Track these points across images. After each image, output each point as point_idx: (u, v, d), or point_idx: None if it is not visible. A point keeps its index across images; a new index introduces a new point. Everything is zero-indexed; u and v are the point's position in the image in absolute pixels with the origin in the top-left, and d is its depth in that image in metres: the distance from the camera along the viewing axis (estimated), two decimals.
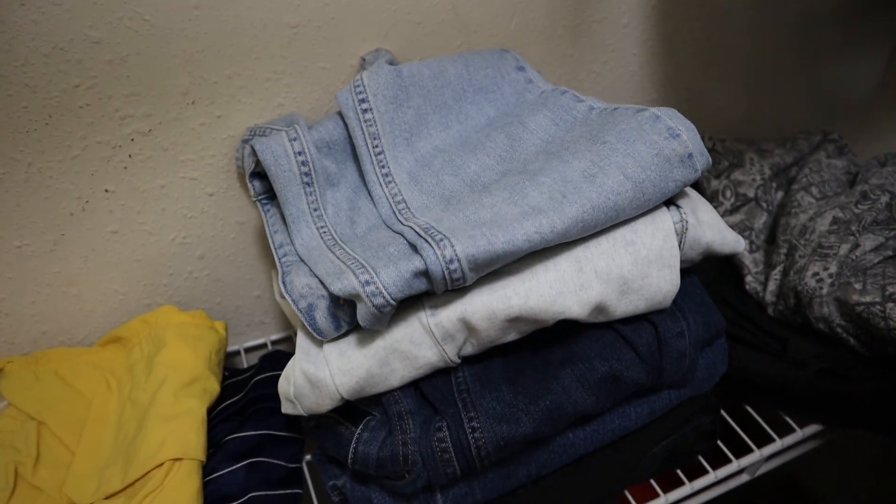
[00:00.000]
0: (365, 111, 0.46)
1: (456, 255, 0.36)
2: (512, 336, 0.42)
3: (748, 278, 0.64)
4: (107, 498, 0.46)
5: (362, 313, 0.38)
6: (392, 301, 0.37)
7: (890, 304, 0.53)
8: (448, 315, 0.39)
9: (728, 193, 0.69)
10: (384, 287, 0.37)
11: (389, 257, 0.39)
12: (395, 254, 0.39)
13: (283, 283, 0.44)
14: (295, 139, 0.45)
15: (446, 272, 0.37)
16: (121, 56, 0.47)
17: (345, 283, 0.38)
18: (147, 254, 0.56)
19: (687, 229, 0.43)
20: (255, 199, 0.50)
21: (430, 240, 0.37)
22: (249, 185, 0.50)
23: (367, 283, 0.36)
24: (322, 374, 0.41)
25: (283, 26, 0.51)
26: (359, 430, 0.42)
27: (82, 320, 0.57)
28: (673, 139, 0.41)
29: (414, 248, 0.39)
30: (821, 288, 0.56)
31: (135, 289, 0.57)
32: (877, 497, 0.89)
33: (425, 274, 0.37)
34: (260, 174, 0.50)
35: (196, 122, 0.52)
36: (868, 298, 0.54)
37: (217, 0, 0.48)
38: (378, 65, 0.48)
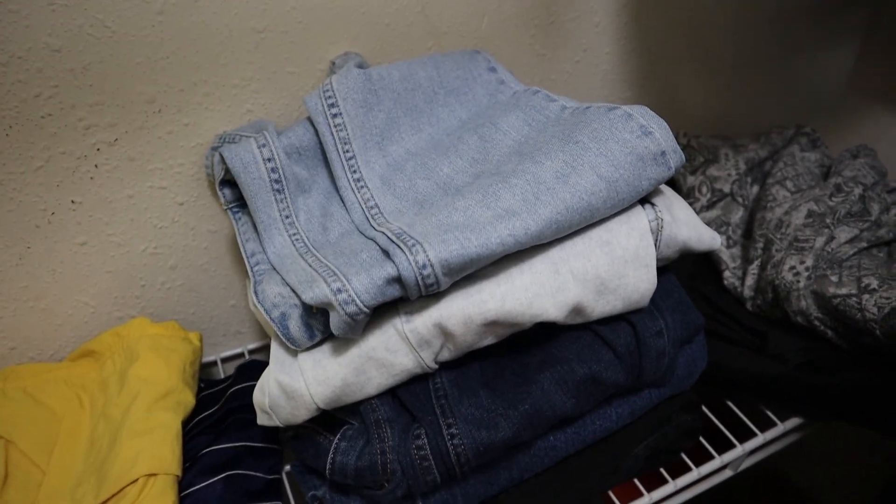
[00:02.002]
0: (335, 116, 0.45)
1: (429, 259, 0.36)
2: (489, 340, 0.41)
3: (726, 273, 0.64)
4: None
5: (335, 322, 0.37)
6: (365, 309, 0.36)
7: (866, 296, 0.53)
8: (423, 321, 0.39)
9: (704, 189, 0.69)
10: (356, 294, 0.36)
11: (362, 264, 0.38)
12: (368, 260, 0.38)
13: (255, 292, 0.43)
14: (264, 145, 0.44)
15: (419, 278, 0.36)
16: (83, 64, 0.46)
17: (316, 292, 0.37)
18: (117, 265, 0.55)
19: (662, 227, 0.43)
20: (225, 207, 0.49)
21: (402, 245, 0.37)
22: (220, 193, 0.49)
23: (339, 290, 0.36)
24: (297, 384, 0.40)
25: (249, 31, 0.50)
26: (336, 440, 0.42)
27: (52, 335, 0.55)
28: (645, 137, 0.41)
29: (386, 253, 0.38)
30: (798, 281, 0.57)
31: (106, 301, 0.56)
32: (858, 487, 0.90)
33: (398, 280, 0.37)
34: (230, 182, 0.49)
35: (163, 130, 0.51)
36: (844, 290, 0.54)
37: (181, 5, 0.47)
38: (347, 68, 0.47)
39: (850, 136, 0.84)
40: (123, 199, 0.52)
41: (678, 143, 0.73)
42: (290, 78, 0.53)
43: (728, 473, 0.58)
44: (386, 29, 0.55)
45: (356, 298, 0.36)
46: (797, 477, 1.08)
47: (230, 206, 0.49)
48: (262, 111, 0.53)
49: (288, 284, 0.42)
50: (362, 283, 0.36)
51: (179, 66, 0.49)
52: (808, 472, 1.06)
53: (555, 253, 0.41)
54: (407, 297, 0.38)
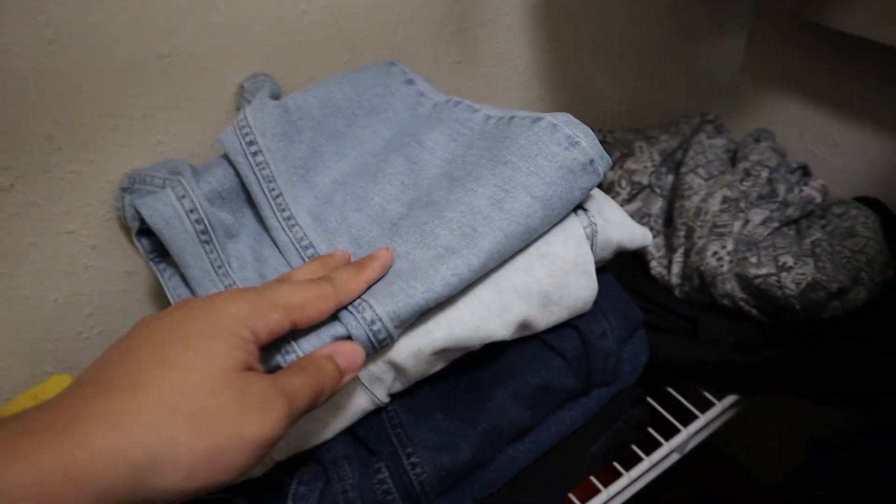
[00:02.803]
0: (255, 154, 0.43)
1: (377, 315, 0.35)
2: (440, 366, 0.40)
3: (652, 263, 0.66)
4: None
5: None
6: None
7: (784, 274, 0.56)
8: (373, 359, 0.38)
9: (623, 183, 0.71)
10: None
11: None
12: None
13: None
14: (184, 196, 0.41)
15: (371, 335, 0.35)
16: None
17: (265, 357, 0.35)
18: (26, 320, 0.50)
19: (597, 232, 0.44)
20: (146, 259, 0.46)
21: (348, 305, 0.35)
22: (137, 243, 0.45)
23: (288, 353, 0.34)
24: None
25: (153, 57, 0.47)
26: (294, 485, 0.40)
27: None
28: (573, 148, 0.41)
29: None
30: (721, 266, 0.59)
31: (16, 362, 0.51)
32: (788, 451, 0.96)
33: (348, 339, 0.35)
34: (147, 231, 0.45)
35: (65, 170, 0.47)
36: (764, 270, 0.57)
37: (75, 34, 0.43)
38: (260, 101, 0.44)
39: (748, 120, 0.89)
40: (27, 248, 0.48)
41: None
42: (201, 105, 0.50)
43: (676, 457, 0.60)
44: (299, 46, 0.53)
45: None
46: (734, 448, 1.14)
47: (150, 256, 0.46)
48: (174, 141, 0.50)
49: None
50: (312, 344, 0.34)
51: (79, 99, 0.45)
52: (742, 443, 1.12)
53: (496, 272, 0.40)
54: None
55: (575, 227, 0.43)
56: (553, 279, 0.41)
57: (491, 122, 0.46)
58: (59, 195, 0.47)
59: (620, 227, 0.46)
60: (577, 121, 0.43)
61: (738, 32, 0.86)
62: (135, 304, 0.55)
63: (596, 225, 0.44)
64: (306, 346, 0.34)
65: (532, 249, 0.42)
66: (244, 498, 0.44)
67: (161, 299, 0.56)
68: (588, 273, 0.43)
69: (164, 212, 0.40)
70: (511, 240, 0.39)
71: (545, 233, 0.42)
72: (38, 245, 0.48)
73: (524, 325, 0.41)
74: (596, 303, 0.46)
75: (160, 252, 0.45)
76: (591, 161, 0.42)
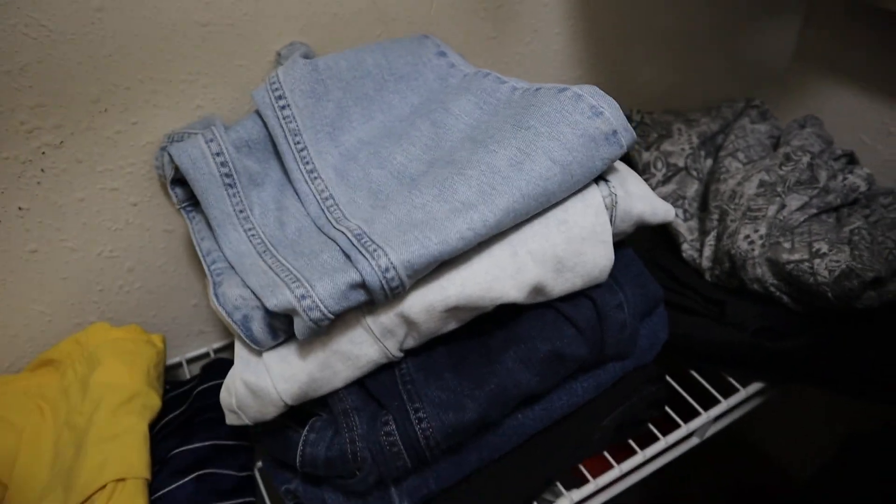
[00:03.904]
0: (283, 108, 0.45)
1: (391, 263, 0.36)
2: (452, 325, 0.41)
3: (684, 246, 0.65)
4: None
5: (299, 327, 0.37)
6: (329, 315, 0.36)
7: (817, 260, 0.55)
8: (386, 312, 0.39)
9: (659, 164, 0.70)
10: (321, 301, 0.36)
11: (324, 267, 0.38)
12: (330, 262, 0.38)
13: (216, 294, 0.43)
14: (212, 140, 0.44)
15: (384, 282, 0.36)
16: (20, 65, 0.44)
17: (280, 298, 0.37)
18: (72, 271, 0.54)
19: (616, 203, 0.44)
20: (178, 206, 0.48)
21: (363, 251, 0.37)
22: (171, 192, 0.48)
23: (303, 297, 0.35)
24: (263, 382, 0.40)
25: (194, 25, 0.49)
26: (305, 432, 0.42)
27: (7, 346, 0.54)
28: (596, 117, 0.41)
29: (348, 257, 0.38)
30: (752, 250, 0.58)
31: (62, 309, 0.55)
32: (818, 445, 0.93)
33: (362, 285, 0.36)
34: (181, 181, 0.48)
35: (111, 130, 0.50)
36: (797, 256, 0.56)
37: (121, 1, 0.45)
38: (293, 60, 0.46)
39: (797, 107, 0.86)
40: (74, 203, 0.51)
41: (632, 121, 0.75)
42: (238, 71, 0.52)
43: (695, 441, 0.59)
44: (333, 18, 0.54)
45: (320, 304, 0.36)
46: (761, 440, 1.11)
47: (183, 205, 0.49)
48: (211, 106, 0.53)
49: (249, 287, 0.41)
50: (326, 288, 0.36)
51: (123, 63, 0.48)
52: (771, 435, 1.09)
53: (512, 235, 0.41)
54: (372, 301, 0.38)
55: (594, 196, 0.43)
56: (569, 246, 0.42)
57: (517, 93, 0.47)
58: (103, 154, 0.50)
59: (642, 199, 0.46)
60: (602, 92, 0.43)
61: (790, 17, 0.83)
62: (172, 261, 0.58)
63: (616, 196, 0.44)
64: (321, 290, 0.36)
65: (550, 215, 0.42)
66: (261, 446, 0.46)
67: (195, 260, 0.59)
68: (605, 242, 0.43)
69: (191, 153, 0.43)
70: (528, 200, 0.39)
71: (564, 200, 0.43)
72: (85, 201, 0.51)
73: (537, 290, 0.42)
74: (613, 275, 0.46)
75: (193, 201, 0.48)
76: (615, 132, 0.42)
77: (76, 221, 0.52)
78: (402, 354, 0.42)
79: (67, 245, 0.52)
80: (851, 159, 0.70)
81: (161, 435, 0.50)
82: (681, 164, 0.69)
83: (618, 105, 0.43)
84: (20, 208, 0.49)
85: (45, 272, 0.52)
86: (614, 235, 0.45)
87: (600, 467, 0.53)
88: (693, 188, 0.68)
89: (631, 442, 0.55)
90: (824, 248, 0.56)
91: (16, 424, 0.49)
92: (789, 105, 0.87)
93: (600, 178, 0.45)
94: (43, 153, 0.48)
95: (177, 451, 0.49)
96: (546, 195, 0.40)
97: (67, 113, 0.47)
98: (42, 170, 0.48)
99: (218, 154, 0.43)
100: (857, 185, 0.65)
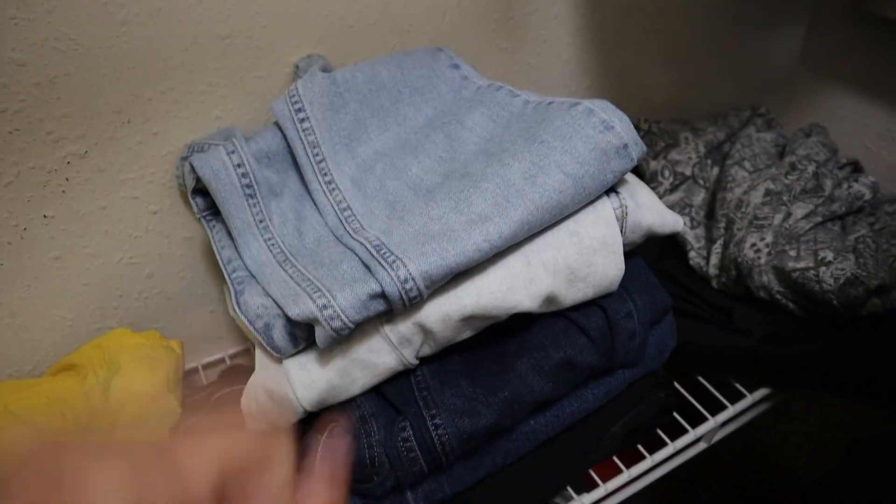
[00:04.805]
0: (302, 120, 0.46)
1: (410, 274, 0.37)
2: (467, 333, 0.42)
3: (691, 254, 0.66)
4: None
5: (321, 336, 0.38)
6: (350, 324, 0.37)
7: (822, 268, 0.56)
8: (404, 320, 0.40)
9: (667, 173, 0.71)
10: (342, 311, 0.37)
11: (344, 277, 0.39)
12: (349, 273, 0.39)
13: (238, 303, 0.44)
14: (233, 152, 0.45)
15: (403, 293, 0.37)
16: (49, 78, 0.45)
17: (302, 308, 0.38)
18: (93, 278, 0.55)
19: (627, 214, 0.45)
20: (199, 216, 0.49)
21: (382, 262, 0.38)
22: (192, 202, 0.49)
23: (325, 307, 0.37)
24: (283, 389, 0.41)
25: (214, 38, 0.50)
26: (324, 438, 0.43)
27: (30, 351, 0.55)
28: (607, 132, 0.42)
29: (367, 268, 0.39)
30: (759, 258, 0.59)
31: (83, 314, 0.56)
32: (825, 450, 0.94)
33: (382, 296, 0.38)
34: (202, 191, 0.49)
35: (133, 140, 0.51)
36: (802, 264, 0.57)
37: (144, 16, 0.47)
38: (311, 72, 0.47)
39: (802, 113, 0.87)
40: (96, 211, 0.52)
41: (640, 130, 0.76)
42: (256, 82, 0.54)
43: (702, 446, 0.60)
44: (349, 30, 0.55)
45: (341, 314, 0.37)
46: (767, 445, 1.12)
47: (203, 214, 0.50)
48: (230, 117, 0.54)
49: (270, 296, 0.42)
50: (347, 298, 0.37)
51: (145, 75, 0.49)
52: (777, 440, 1.10)
53: (526, 246, 0.42)
54: (391, 310, 0.39)
55: (605, 207, 0.44)
56: (581, 256, 0.43)
57: (530, 106, 0.48)
58: (126, 163, 0.51)
59: (651, 211, 0.47)
60: (613, 107, 0.44)
61: (794, 25, 0.84)
62: (190, 268, 0.59)
63: (626, 207, 0.45)
64: (342, 300, 0.37)
65: (562, 226, 0.43)
66: None
67: (215, 267, 0.60)
68: (616, 253, 0.44)
69: (213, 164, 0.44)
70: (542, 213, 0.40)
71: (576, 212, 0.44)
72: (107, 209, 0.53)
73: (550, 299, 0.43)
74: (623, 284, 0.47)
75: (213, 211, 0.49)
76: (625, 146, 0.43)
77: (98, 229, 0.53)
78: (418, 362, 0.43)
79: (89, 252, 0.54)
80: (856, 168, 0.71)
81: None
82: (688, 172, 0.70)
83: (628, 119, 0.44)
84: (45, 216, 0.50)
85: (68, 278, 0.54)
86: (624, 246, 0.46)
87: (610, 472, 0.54)
88: (700, 196, 0.69)
89: (640, 447, 0.56)
90: (829, 256, 0.57)
91: (38, 428, 0.50)
92: (794, 112, 0.88)
93: (611, 189, 0.46)
94: (68, 163, 0.49)
95: None
96: (559, 207, 0.41)
97: (92, 123, 0.49)
98: (67, 179, 0.50)
99: (239, 165, 0.45)
100: (862, 194, 0.65)
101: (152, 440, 0.22)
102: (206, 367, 0.64)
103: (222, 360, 0.65)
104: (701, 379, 0.63)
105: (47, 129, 0.47)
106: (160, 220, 0.55)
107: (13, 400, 0.52)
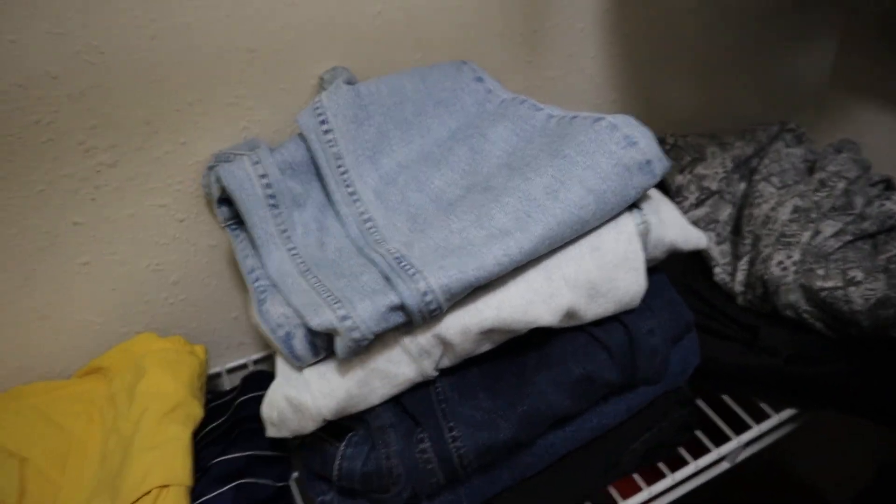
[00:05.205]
0: (326, 132, 0.47)
1: (430, 287, 0.37)
2: (487, 346, 0.42)
3: (716, 270, 0.65)
4: None
5: (340, 347, 0.38)
6: (370, 336, 0.37)
7: (851, 288, 0.55)
8: (423, 332, 0.40)
9: (692, 188, 0.70)
10: (362, 322, 0.37)
11: (364, 289, 0.39)
12: (370, 284, 0.39)
13: (259, 312, 0.44)
14: (257, 163, 0.46)
15: (422, 305, 0.37)
16: (80, 90, 0.47)
17: (322, 319, 0.38)
18: (121, 283, 0.56)
19: (650, 230, 0.44)
20: (223, 225, 0.50)
21: (403, 275, 0.38)
22: (217, 211, 0.50)
23: (345, 318, 0.37)
24: (303, 397, 0.41)
25: (240, 51, 0.51)
26: (342, 447, 0.43)
27: (59, 353, 0.56)
28: (630, 147, 0.42)
29: (388, 280, 0.39)
30: (786, 276, 0.58)
31: (111, 318, 0.57)
32: (853, 472, 0.91)
33: (401, 308, 0.38)
34: (227, 200, 0.50)
35: (161, 150, 0.52)
36: (831, 283, 0.56)
37: (172, 30, 0.48)
38: (336, 85, 0.48)
39: (834, 130, 0.86)
40: (124, 219, 0.53)
41: (666, 144, 0.75)
42: (282, 94, 0.54)
43: (725, 465, 0.59)
44: (374, 44, 0.56)
45: (361, 325, 0.37)
46: (795, 467, 1.09)
47: (228, 223, 0.51)
48: (257, 127, 0.55)
49: (292, 306, 0.43)
50: (367, 310, 0.37)
51: (173, 87, 0.50)
52: (805, 461, 1.08)
53: (547, 260, 0.42)
54: (410, 322, 0.39)
55: (627, 223, 0.44)
56: (602, 272, 0.43)
57: (553, 121, 0.48)
58: (153, 172, 0.52)
59: (675, 227, 0.46)
60: (637, 122, 0.44)
61: (825, 42, 0.83)
62: (215, 275, 0.60)
63: (649, 223, 0.45)
64: (362, 312, 0.37)
65: (584, 242, 0.43)
66: (298, 458, 0.48)
67: (237, 274, 0.61)
68: (637, 269, 0.44)
69: (238, 175, 0.45)
70: (563, 228, 0.40)
71: (598, 227, 0.44)
72: (135, 216, 0.54)
73: (570, 314, 0.43)
74: (645, 300, 0.47)
75: (237, 220, 0.50)
76: (648, 161, 0.43)
77: (126, 236, 0.54)
78: (437, 373, 0.43)
79: (117, 258, 0.55)
80: (889, 185, 0.69)
81: (202, 444, 0.52)
82: (714, 187, 0.70)
83: (652, 135, 0.44)
84: (75, 223, 0.52)
85: (96, 283, 0.55)
86: (647, 262, 0.45)
87: (630, 489, 0.53)
88: (726, 212, 0.69)
89: (661, 465, 0.55)
90: (859, 275, 0.55)
91: (66, 428, 0.52)
92: (826, 129, 0.87)
93: (634, 205, 0.45)
94: (98, 171, 0.50)
95: (217, 460, 0.51)
96: (580, 223, 0.41)
97: (121, 134, 0.50)
98: (96, 187, 0.51)
99: (263, 176, 0.45)
100: (894, 212, 0.64)
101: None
102: (230, 371, 0.65)
103: (245, 366, 0.66)
104: (725, 398, 0.62)
105: (79, 139, 0.48)
106: (186, 229, 0.56)
107: (42, 400, 0.53)
